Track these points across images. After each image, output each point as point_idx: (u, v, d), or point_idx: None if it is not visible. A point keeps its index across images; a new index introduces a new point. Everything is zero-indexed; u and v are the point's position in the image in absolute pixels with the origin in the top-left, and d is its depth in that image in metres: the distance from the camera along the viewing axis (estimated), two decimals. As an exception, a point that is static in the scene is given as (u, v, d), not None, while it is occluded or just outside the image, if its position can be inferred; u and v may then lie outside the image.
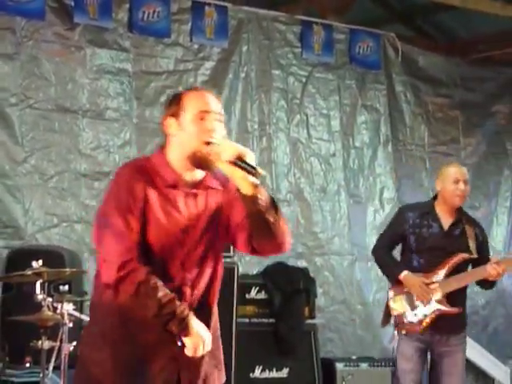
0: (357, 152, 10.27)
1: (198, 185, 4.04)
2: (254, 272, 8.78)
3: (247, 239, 4.05)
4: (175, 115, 4.04)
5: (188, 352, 3.87)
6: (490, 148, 11.07)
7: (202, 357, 4.02)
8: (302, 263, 9.36)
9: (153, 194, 3.95)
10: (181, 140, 4.03)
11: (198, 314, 4.00)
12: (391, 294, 6.87)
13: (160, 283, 3.83)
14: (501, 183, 11.11)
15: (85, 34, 8.90)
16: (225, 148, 3.85)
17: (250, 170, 3.80)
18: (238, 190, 3.89)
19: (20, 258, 7.56)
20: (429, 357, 6.84)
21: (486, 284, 6.92)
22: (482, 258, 6.74)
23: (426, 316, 6.61)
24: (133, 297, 3.82)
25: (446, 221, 6.79)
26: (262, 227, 3.96)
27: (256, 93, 9.73)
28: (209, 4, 9.50)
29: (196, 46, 9.45)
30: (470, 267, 6.84)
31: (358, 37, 10.32)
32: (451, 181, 6.75)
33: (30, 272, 6.27)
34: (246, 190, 3.84)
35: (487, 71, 11.14)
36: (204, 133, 3.96)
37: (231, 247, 7.70)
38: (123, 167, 4.16)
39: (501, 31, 10.74)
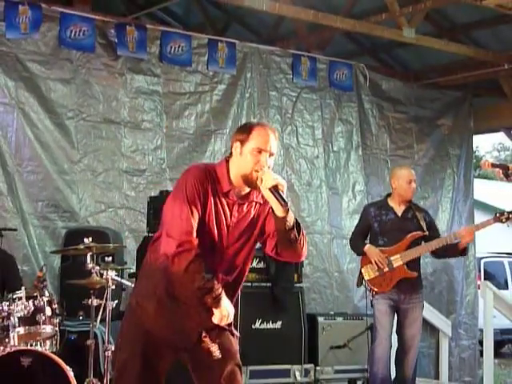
0: (335, 155, 10.24)
1: (244, 197, 4.13)
2: (256, 247, 8.74)
3: (274, 246, 4.18)
4: (241, 141, 4.10)
5: (214, 320, 3.97)
6: (436, 152, 11.07)
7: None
8: (291, 240, 9.32)
9: (211, 197, 4.05)
10: (239, 163, 4.10)
11: (226, 293, 4.04)
12: (362, 262, 7.00)
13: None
14: (445, 179, 11.09)
15: (126, 63, 8.89)
16: (268, 177, 3.92)
17: (279, 199, 3.92)
18: (272, 209, 3.99)
19: (75, 235, 7.52)
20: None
21: (459, 252, 7.04)
22: (432, 234, 6.97)
23: (391, 279, 6.76)
24: (183, 271, 3.90)
25: (399, 209, 7.01)
26: (285, 242, 4.09)
27: (257, 109, 9.72)
28: (221, 41, 9.48)
29: (211, 73, 9.42)
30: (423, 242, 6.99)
31: (336, 66, 10.28)
32: (405, 181, 6.95)
33: (82, 246, 6.30)
34: (278, 212, 3.97)
35: (435, 93, 11.11)
36: (257, 164, 4.01)
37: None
38: (195, 167, 4.28)
39: (445, 63, 10.74)
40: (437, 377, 10.15)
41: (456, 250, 6.93)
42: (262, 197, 4.10)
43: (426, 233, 6.92)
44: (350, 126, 10.40)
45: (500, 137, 29.72)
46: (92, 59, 8.67)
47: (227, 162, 4.14)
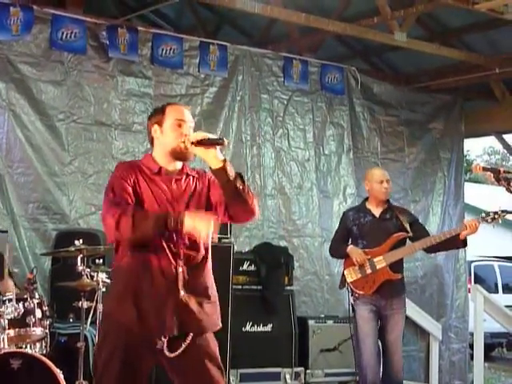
0: (326, 158, 10.26)
1: (179, 173, 4.21)
2: (246, 249, 8.77)
3: (225, 210, 4.16)
4: (158, 122, 4.24)
5: (195, 232, 3.94)
6: (427, 156, 11.08)
7: (200, 306, 4.15)
8: (283, 243, 9.36)
9: (141, 179, 4.13)
10: (164, 141, 4.21)
11: (194, 270, 4.17)
12: (345, 265, 6.96)
13: None
14: (435, 182, 11.11)
15: (117, 65, 8.88)
16: (192, 136, 4.10)
17: (214, 142, 4.07)
18: (210, 168, 4.08)
19: (65, 237, 7.53)
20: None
21: (460, 244, 6.90)
22: (419, 233, 6.88)
23: (374, 281, 6.69)
24: (133, 228, 3.90)
25: (377, 211, 6.96)
26: (233, 196, 4.08)
27: (248, 112, 9.70)
28: (212, 43, 9.48)
29: (203, 76, 9.43)
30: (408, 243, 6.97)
31: (327, 69, 10.29)
32: (377, 181, 6.91)
33: (73, 248, 6.34)
34: (216, 164, 4.03)
35: (426, 97, 11.14)
36: (181, 135, 4.15)
37: (229, 231, 7.81)
38: (119, 163, 4.49)
39: (436, 66, 10.76)
40: (427, 380, 10.18)
41: (456, 242, 6.78)
42: (196, 171, 4.29)
43: (410, 234, 6.84)
44: (342, 130, 10.42)
45: (491, 140, 29.70)
46: (83, 61, 8.66)
47: (150, 153, 4.32)
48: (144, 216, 3.95)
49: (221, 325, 4.31)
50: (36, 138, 8.34)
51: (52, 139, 8.44)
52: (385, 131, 10.76)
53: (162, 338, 4.06)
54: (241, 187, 4.04)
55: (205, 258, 4.24)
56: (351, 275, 6.81)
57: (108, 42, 8.80)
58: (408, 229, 6.83)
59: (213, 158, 4.00)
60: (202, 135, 4.07)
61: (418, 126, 11.08)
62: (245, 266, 8.35)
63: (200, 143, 4.01)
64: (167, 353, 4.05)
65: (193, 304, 4.10)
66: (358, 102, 10.56)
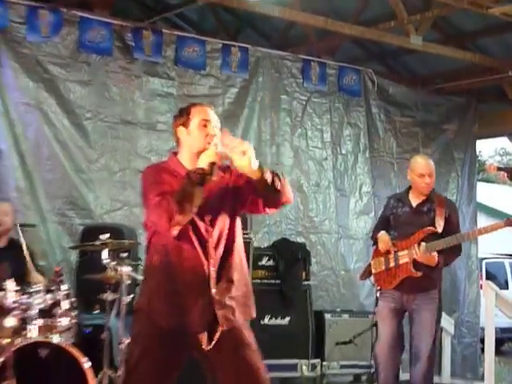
0: (343, 157, 10.26)
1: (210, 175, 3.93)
2: (265, 245, 8.78)
3: (262, 203, 4.07)
4: (184, 124, 4.09)
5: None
6: (441, 156, 11.03)
7: (232, 300, 4.08)
8: (300, 239, 9.37)
9: (167, 183, 3.97)
10: (190, 143, 4.08)
11: (219, 271, 4.07)
12: (373, 255, 6.64)
13: None
14: (449, 182, 11.09)
15: (142, 66, 8.93)
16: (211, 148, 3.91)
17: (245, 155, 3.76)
18: (249, 177, 3.91)
19: (91, 232, 7.55)
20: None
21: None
22: (448, 231, 6.32)
23: (395, 277, 6.33)
24: (177, 205, 3.78)
25: (415, 202, 6.44)
26: (272, 193, 3.96)
27: (268, 112, 9.72)
28: (234, 45, 9.51)
29: (224, 77, 9.45)
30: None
31: (345, 72, 10.30)
32: (417, 175, 6.39)
33: (99, 243, 6.32)
34: (253, 175, 3.85)
35: (440, 99, 11.13)
36: (207, 136, 4.02)
37: (248, 227, 7.81)
38: (148, 167, 4.34)
39: (451, 69, 10.73)
40: (439, 373, 10.14)
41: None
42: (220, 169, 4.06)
43: (437, 229, 6.30)
44: (358, 130, 10.43)
45: (502, 142, 29.64)
46: (109, 62, 8.72)
47: (175, 154, 4.16)
48: (180, 190, 3.82)
49: (254, 315, 4.26)
50: (63, 136, 8.39)
51: (79, 137, 8.50)
52: (400, 132, 10.76)
53: (197, 334, 4.01)
54: (279, 187, 3.91)
55: (233, 252, 4.17)
56: (376, 266, 6.51)
57: (133, 44, 8.85)
58: (439, 224, 6.30)
59: (248, 170, 3.80)
60: (233, 145, 3.81)
61: (433, 127, 11.06)
62: (264, 261, 8.38)
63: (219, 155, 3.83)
64: (204, 346, 4.00)
65: (225, 299, 4.04)
66: (375, 103, 10.57)
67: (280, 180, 3.93)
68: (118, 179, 8.71)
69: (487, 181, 30.73)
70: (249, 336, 4.16)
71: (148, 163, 8.76)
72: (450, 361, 10.25)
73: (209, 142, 3.97)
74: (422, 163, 6.48)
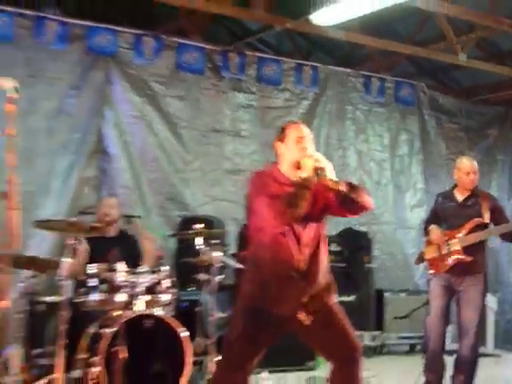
0: (399, 159, 10.19)
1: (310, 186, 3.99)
2: (333, 233, 8.74)
3: (342, 210, 4.12)
4: (281, 140, 4.16)
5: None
6: (484, 157, 10.82)
7: (319, 287, 4.12)
8: (364, 228, 9.31)
9: (274, 185, 4.02)
10: (288, 156, 4.11)
11: (308, 265, 4.09)
12: (426, 243, 6.49)
13: None
14: (491, 180, 10.92)
15: (228, 83, 8.99)
16: (309, 160, 3.93)
17: (323, 171, 3.88)
18: (329, 187, 3.94)
19: (187, 222, 7.67)
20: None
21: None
22: (497, 220, 6.22)
23: (448, 261, 6.19)
24: (288, 205, 3.88)
25: (461, 197, 6.31)
26: (349, 202, 4.02)
27: (336, 121, 9.71)
28: (306, 64, 9.53)
29: (298, 91, 9.46)
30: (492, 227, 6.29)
31: (400, 85, 10.24)
32: (464, 172, 6.27)
33: (194, 231, 6.38)
34: (332, 186, 3.90)
35: (483, 107, 10.98)
36: (302, 150, 4.04)
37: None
38: (255, 174, 4.28)
39: (492, 82, 10.53)
40: (484, 344, 9.98)
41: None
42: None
43: (485, 220, 6.19)
44: (412, 135, 10.35)
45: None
46: (202, 80, 8.80)
47: (276, 164, 4.20)
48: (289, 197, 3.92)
49: (335, 300, 4.23)
50: (164, 143, 8.51)
51: (177, 143, 8.61)
52: (448, 136, 10.63)
53: (294, 315, 4.05)
54: (354, 197, 3.99)
55: (320, 249, 4.19)
56: (428, 253, 6.37)
57: (221, 64, 8.93)
58: (485, 215, 6.19)
59: (328, 182, 3.90)
60: (315, 163, 3.90)
61: (477, 133, 10.90)
62: (332, 247, 8.33)
63: (315, 171, 3.86)
64: (305, 323, 4.04)
65: (313, 286, 4.07)
66: (426, 112, 10.46)
67: (357, 191, 4.00)
68: (209, 178, 8.81)
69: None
70: (338, 311, 4.19)
71: (233, 165, 8.91)
72: (494, 334, 10.06)
73: (303, 155, 4.00)
74: (467, 163, 6.36)
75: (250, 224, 4.20)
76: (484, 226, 6.23)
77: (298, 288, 4.05)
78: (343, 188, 3.91)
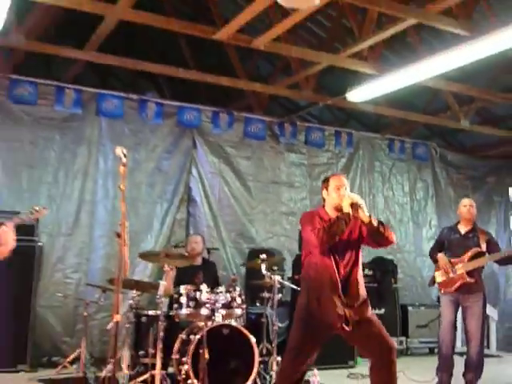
0: (417, 202, 10.05)
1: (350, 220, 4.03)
2: (366, 261, 8.60)
3: (372, 242, 4.10)
4: (326, 188, 4.18)
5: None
6: (484, 200, 10.63)
7: (355, 302, 4.07)
8: (390, 257, 9.10)
9: (318, 223, 4.05)
10: (330, 200, 4.13)
11: (346, 283, 4.07)
12: (436, 268, 6.31)
13: None
14: (490, 217, 10.68)
15: (284, 146, 9.04)
16: (346, 199, 3.97)
17: (356, 206, 3.93)
18: (361, 220, 3.96)
19: (254, 253, 7.65)
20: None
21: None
22: (491, 250, 6.11)
23: (454, 283, 6.05)
24: (327, 230, 3.92)
25: (463, 230, 6.21)
26: (378, 234, 4.01)
27: (366, 174, 9.64)
28: (343, 131, 9.55)
29: (337, 151, 9.45)
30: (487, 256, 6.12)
31: (417, 145, 10.16)
32: (463, 206, 6.26)
33: (259, 260, 6.34)
34: (365, 219, 3.93)
35: (483, 161, 10.79)
36: (340, 196, 4.05)
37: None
38: (306, 213, 4.34)
39: (489, 141, 10.33)
40: (488, 347, 9.67)
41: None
42: (354, 217, 4.04)
43: (482, 250, 6.08)
44: (427, 184, 10.18)
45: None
46: (263, 144, 8.87)
47: (323, 206, 4.21)
48: (330, 227, 3.94)
49: (370, 314, 4.15)
50: (236, 192, 8.57)
51: (245, 193, 8.66)
52: (456, 184, 10.44)
53: (338, 323, 4.02)
54: (382, 230, 3.99)
55: (356, 271, 4.16)
56: (439, 277, 6.22)
57: (278, 132, 9.00)
58: (482, 246, 6.10)
59: (362, 216, 3.95)
60: (353, 198, 3.97)
61: (478, 181, 10.67)
62: (366, 271, 8.19)
63: (351, 206, 3.94)
64: (347, 329, 4.01)
65: (351, 302, 4.04)
66: (438, 165, 10.31)
67: (384, 226, 4.01)
68: (270, 219, 8.78)
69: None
70: (376, 320, 4.14)
71: (288, 208, 8.89)
72: (496, 339, 9.75)
73: (342, 199, 4.02)
74: (465, 200, 6.39)
75: (302, 250, 4.23)
76: (482, 255, 6.10)
77: (340, 301, 4.01)
78: (375, 222, 3.92)
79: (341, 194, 4.08)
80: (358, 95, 7.16)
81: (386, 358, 4.01)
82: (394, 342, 4.25)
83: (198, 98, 9.16)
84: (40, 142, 7.37)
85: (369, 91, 7.03)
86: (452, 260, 6.16)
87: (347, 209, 3.93)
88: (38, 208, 4.61)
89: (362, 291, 4.18)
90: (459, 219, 6.37)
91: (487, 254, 6.13)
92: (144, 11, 5.88)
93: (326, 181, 4.23)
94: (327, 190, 4.18)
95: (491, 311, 9.81)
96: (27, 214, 4.59)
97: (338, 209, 4.04)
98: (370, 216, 3.97)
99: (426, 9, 5.70)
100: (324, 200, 4.23)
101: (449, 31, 5.95)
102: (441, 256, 6.22)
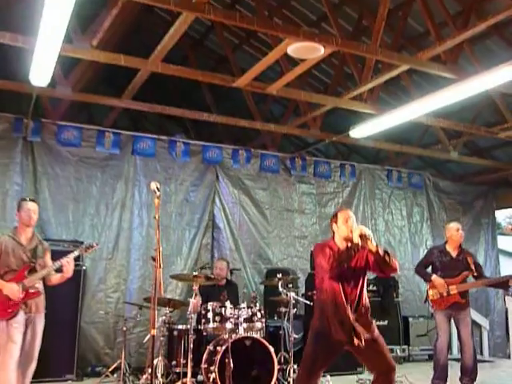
0: (414, 225, 9.93)
1: (349, 248, 3.98)
2: (371, 278, 8.51)
3: (378, 270, 4.00)
4: (335, 222, 4.11)
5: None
6: (474, 221, 10.53)
7: (363, 322, 4.00)
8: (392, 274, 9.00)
9: (330, 253, 3.97)
10: (339, 232, 4.06)
11: (356, 305, 4.02)
12: (428, 287, 6.23)
13: None
14: (480, 237, 10.52)
15: (295, 178, 9.02)
16: (356, 231, 3.86)
17: (365, 237, 3.82)
18: (369, 250, 3.89)
19: (271, 272, 7.60)
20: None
21: (506, 287, 6.17)
22: (479, 274, 6.11)
23: (447, 301, 6.03)
24: (335, 262, 3.88)
25: (453, 253, 6.16)
26: (383, 263, 3.91)
27: (368, 200, 9.56)
28: (346, 164, 9.52)
29: (342, 181, 9.40)
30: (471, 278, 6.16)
31: (412, 175, 10.09)
32: (455, 230, 6.19)
33: (276, 279, 6.31)
34: (372, 249, 3.84)
35: (471, 187, 10.67)
36: (348, 228, 3.99)
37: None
38: (318, 244, 4.24)
39: (476, 170, 10.29)
40: (481, 352, 9.48)
41: (505, 285, 6.08)
42: (362, 247, 3.99)
43: (474, 273, 6.07)
44: (422, 208, 10.07)
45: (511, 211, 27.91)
46: (277, 177, 8.86)
47: (333, 237, 4.13)
48: (339, 256, 3.91)
49: (376, 334, 4.08)
50: (254, 219, 8.55)
51: (262, 219, 8.63)
52: (447, 208, 10.31)
53: (348, 340, 3.97)
54: (387, 259, 3.91)
55: (362, 294, 4.09)
56: (433, 295, 6.12)
57: (290, 166, 8.98)
58: (472, 267, 6.07)
59: (370, 246, 3.87)
60: (361, 230, 3.89)
61: (467, 205, 10.55)
62: (370, 287, 8.12)
63: (360, 237, 3.87)
64: (356, 345, 3.95)
65: (359, 322, 3.99)
66: (431, 192, 10.21)
67: (389, 256, 3.92)
68: (284, 242, 8.73)
69: (503, 234, 28.92)
70: (380, 338, 4.08)
71: (300, 232, 8.85)
72: (488, 345, 9.57)
73: (351, 230, 3.96)
74: (455, 223, 6.35)
75: (315, 277, 4.18)
76: (472, 276, 6.09)
77: (351, 321, 3.97)
78: (381, 251, 3.87)
79: (349, 226, 4.03)
80: (359, 132, 7.18)
81: (385, 373, 3.97)
82: (393, 349, 4.19)
83: (219, 138, 9.23)
84: (84, 179, 7.45)
85: (368, 128, 7.04)
86: (446, 280, 6.06)
87: (356, 239, 3.88)
88: (93, 244, 4.78)
89: (369, 313, 4.14)
90: (447, 241, 6.28)
91: (481, 279, 6.11)
92: (173, 64, 5.96)
93: (335, 216, 4.16)
94: (336, 223, 4.12)
95: (483, 321, 9.66)
96: (84, 249, 4.71)
97: (348, 239, 4.01)
98: (376, 246, 3.93)
99: (418, 56, 5.73)
100: (333, 233, 4.17)
101: (438, 75, 5.96)
102: (436, 278, 6.10)
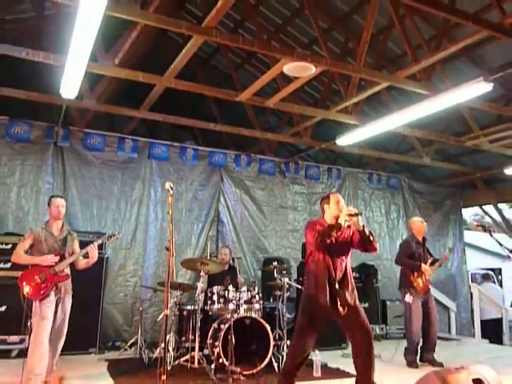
0: (391, 221, 9.91)
1: (339, 226, 3.95)
2: (354, 265, 8.50)
3: (361, 246, 4.01)
4: (327, 203, 4.12)
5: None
6: (443, 218, 10.52)
7: (347, 292, 3.99)
8: (372, 263, 8.94)
9: (318, 228, 4.00)
10: (331, 212, 4.07)
11: (342, 276, 4.04)
12: (415, 276, 6.08)
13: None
14: (448, 232, 10.50)
15: (289, 180, 9.00)
16: (345, 212, 3.89)
17: (356, 214, 3.86)
18: (357, 227, 3.92)
19: (268, 261, 7.58)
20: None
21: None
22: (433, 258, 6.24)
23: (427, 286, 6.08)
24: (319, 234, 3.90)
25: (420, 243, 6.24)
26: (367, 241, 3.94)
27: (352, 199, 9.53)
28: (333, 167, 9.47)
29: (329, 183, 9.37)
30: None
31: (390, 178, 10.06)
32: (420, 223, 6.27)
33: (272, 266, 6.30)
34: (359, 228, 3.89)
35: (441, 189, 10.66)
36: (338, 208, 4.01)
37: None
38: (309, 221, 4.26)
39: (446, 173, 10.27)
40: (449, 331, 9.48)
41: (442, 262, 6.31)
42: (348, 226, 4.03)
43: (435, 257, 6.24)
44: (399, 206, 10.05)
45: (475, 209, 27.88)
46: (273, 178, 8.83)
47: (323, 216, 4.15)
48: (322, 232, 3.91)
49: (357, 303, 4.10)
50: (253, 215, 8.53)
51: (260, 215, 8.60)
52: (421, 207, 10.28)
53: (334, 308, 3.96)
54: (371, 238, 3.96)
55: (347, 268, 4.12)
56: (419, 284, 6.02)
57: (285, 169, 8.95)
58: (432, 254, 6.26)
59: (357, 224, 3.90)
60: (350, 210, 3.93)
61: (438, 203, 10.53)
62: (353, 274, 8.08)
63: (350, 215, 3.91)
64: (341, 313, 3.96)
65: (343, 292, 4.00)
66: (407, 193, 10.18)
67: (372, 236, 3.99)
68: (279, 235, 8.70)
69: (469, 229, 28.87)
70: (361, 309, 4.09)
71: (293, 226, 8.81)
72: (455, 326, 9.57)
73: (340, 211, 3.99)
74: (419, 218, 6.40)
75: (306, 250, 4.18)
76: (434, 261, 6.18)
77: (335, 290, 3.96)
78: (367, 230, 3.89)
79: (339, 206, 4.06)
80: (344, 140, 7.18)
81: (364, 340, 3.97)
82: (373, 328, 4.21)
83: (224, 145, 9.22)
84: (106, 179, 7.45)
85: (353, 137, 7.04)
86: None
87: (342, 219, 3.89)
88: (115, 233, 4.78)
89: (353, 284, 4.15)
90: (413, 233, 6.28)
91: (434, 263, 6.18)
92: (184, 80, 5.96)
93: (327, 197, 4.20)
94: (328, 204, 4.14)
95: (451, 304, 9.65)
96: (107, 238, 4.71)
97: (337, 217, 4.02)
98: (363, 226, 3.95)
99: (396, 75, 5.74)
100: (324, 212, 4.19)
101: (413, 91, 5.97)
102: (424, 266, 6.03)
